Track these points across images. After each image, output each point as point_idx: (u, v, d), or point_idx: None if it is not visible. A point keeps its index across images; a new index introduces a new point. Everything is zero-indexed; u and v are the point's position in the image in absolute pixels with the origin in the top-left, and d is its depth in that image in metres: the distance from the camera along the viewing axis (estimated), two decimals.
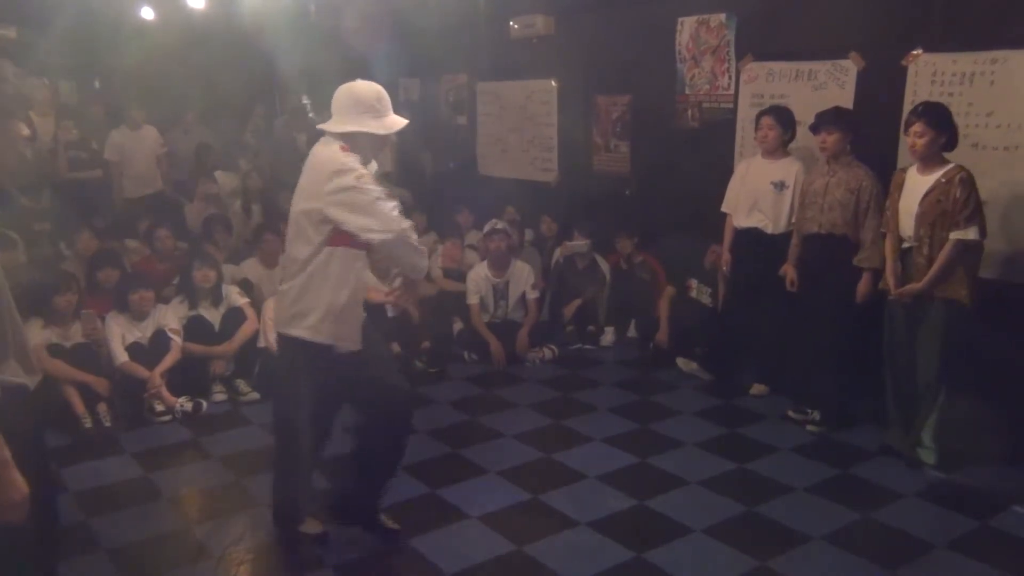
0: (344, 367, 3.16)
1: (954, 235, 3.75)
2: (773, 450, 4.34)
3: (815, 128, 4.42)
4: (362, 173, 2.97)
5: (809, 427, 4.57)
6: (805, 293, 4.58)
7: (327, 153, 3.03)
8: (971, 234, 3.74)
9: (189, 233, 6.78)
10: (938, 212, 3.78)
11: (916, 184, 3.91)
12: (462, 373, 5.59)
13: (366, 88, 3.09)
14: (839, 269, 4.38)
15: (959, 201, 3.73)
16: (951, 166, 3.82)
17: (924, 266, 3.85)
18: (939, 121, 3.80)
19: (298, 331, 3.09)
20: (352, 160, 2.98)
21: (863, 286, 4.33)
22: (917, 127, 3.82)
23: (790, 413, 4.70)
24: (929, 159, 3.86)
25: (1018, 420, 3.91)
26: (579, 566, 3.28)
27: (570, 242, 6.36)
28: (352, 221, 2.95)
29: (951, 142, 3.85)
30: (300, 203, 3.09)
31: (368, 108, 3.06)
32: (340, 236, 3.01)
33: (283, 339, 3.19)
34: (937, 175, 3.83)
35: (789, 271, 4.66)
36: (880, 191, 4.28)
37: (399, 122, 3.13)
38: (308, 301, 3.06)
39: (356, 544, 3.40)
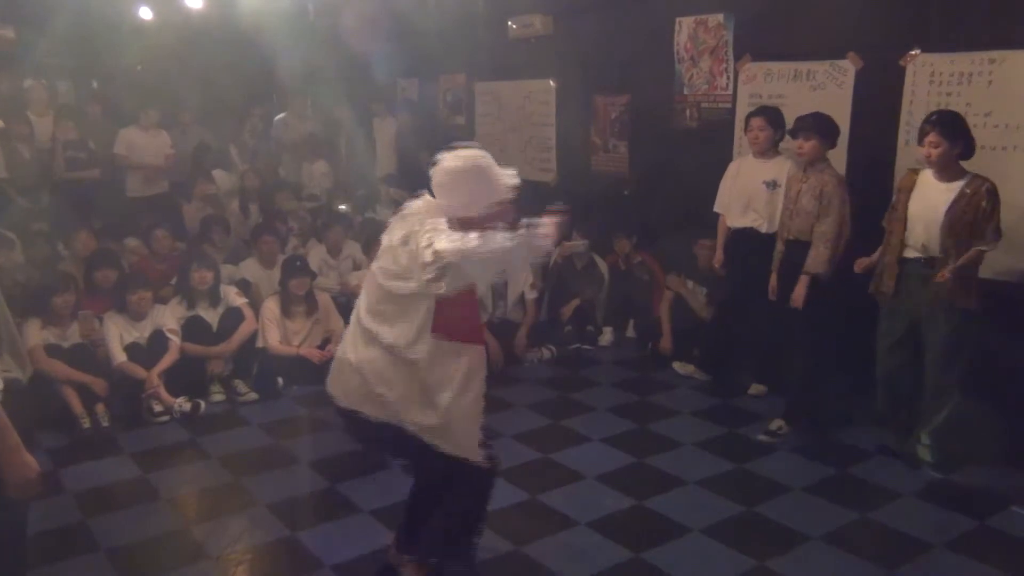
0: None
1: (981, 246, 3.73)
2: (771, 450, 4.34)
3: (793, 133, 4.40)
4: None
5: (761, 437, 4.47)
6: (782, 298, 4.49)
7: None
8: (995, 246, 3.73)
9: (187, 233, 6.78)
10: (964, 224, 3.75)
11: (935, 191, 3.85)
12: None
13: (472, 172, 2.71)
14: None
15: (986, 212, 3.71)
16: (971, 176, 3.78)
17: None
18: (954, 131, 3.76)
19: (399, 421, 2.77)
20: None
21: (799, 289, 4.25)
22: (932, 137, 3.77)
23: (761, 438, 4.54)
24: (946, 167, 3.82)
25: (1016, 420, 3.91)
26: (578, 566, 3.28)
27: (568, 242, 6.36)
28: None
29: (967, 151, 3.81)
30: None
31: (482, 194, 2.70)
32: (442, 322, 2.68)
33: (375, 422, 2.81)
34: (959, 184, 3.79)
35: (772, 278, 4.57)
36: (842, 198, 4.22)
37: (513, 183, 2.76)
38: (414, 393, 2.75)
39: (356, 544, 3.40)
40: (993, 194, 3.73)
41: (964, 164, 3.84)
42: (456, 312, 2.73)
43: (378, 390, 2.77)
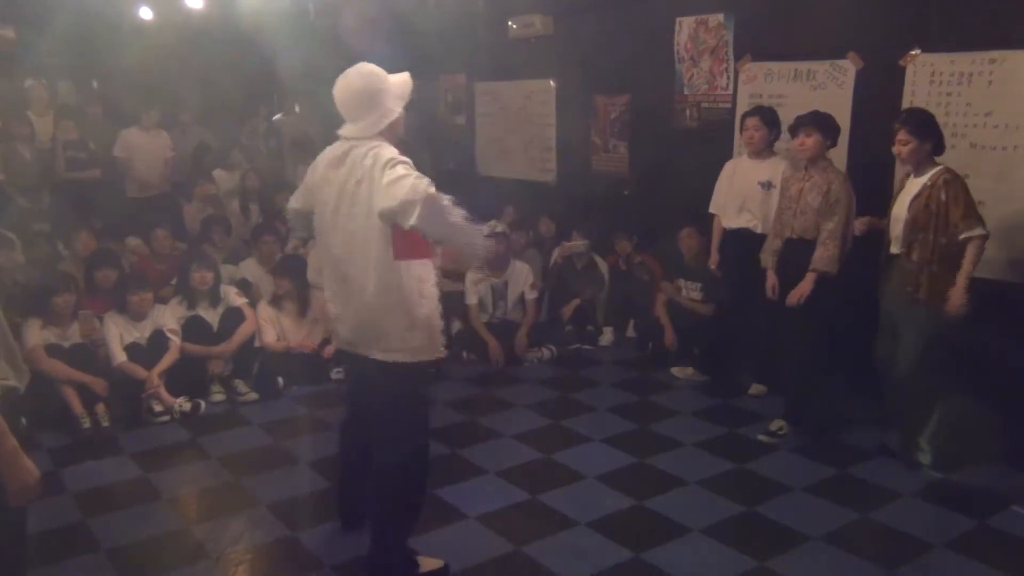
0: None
1: (963, 236, 3.72)
2: (772, 450, 4.34)
3: (794, 131, 4.38)
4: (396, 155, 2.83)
5: (761, 437, 4.47)
6: (783, 298, 4.48)
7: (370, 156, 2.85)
8: (978, 231, 3.70)
9: (187, 233, 6.78)
10: (927, 217, 3.77)
11: (909, 188, 3.92)
12: (461, 373, 5.59)
13: (364, 79, 2.93)
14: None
15: (946, 204, 3.71)
16: (937, 169, 3.81)
17: (913, 271, 3.83)
18: (922, 129, 3.80)
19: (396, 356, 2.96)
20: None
21: (804, 285, 4.22)
22: (901, 135, 3.82)
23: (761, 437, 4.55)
24: (919, 164, 3.85)
25: (1016, 420, 3.91)
26: (578, 566, 3.28)
27: (568, 242, 6.37)
28: (390, 206, 2.74)
29: (937, 148, 3.84)
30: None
31: (401, 96, 2.97)
32: (405, 247, 2.87)
33: (378, 364, 2.99)
34: (924, 179, 3.83)
35: (770, 276, 4.55)
36: (849, 195, 4.22)
37: (404, 79, 3.00)
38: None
39: (356, 544, 3.40)
40: (951, 183, 3.73)
41: (962, 164, 3.86)
42: (410, 233, 2.86)
43: (376, 328, 2.95)
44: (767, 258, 4.56)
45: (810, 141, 4.30)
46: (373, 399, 3.12)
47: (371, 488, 3.18)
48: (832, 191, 4.22)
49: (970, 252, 3.74)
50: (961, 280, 3.75)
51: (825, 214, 4.22)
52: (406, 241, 2.87)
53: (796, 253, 4.37)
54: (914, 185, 3.88)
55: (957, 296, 3.76)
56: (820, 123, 4.30)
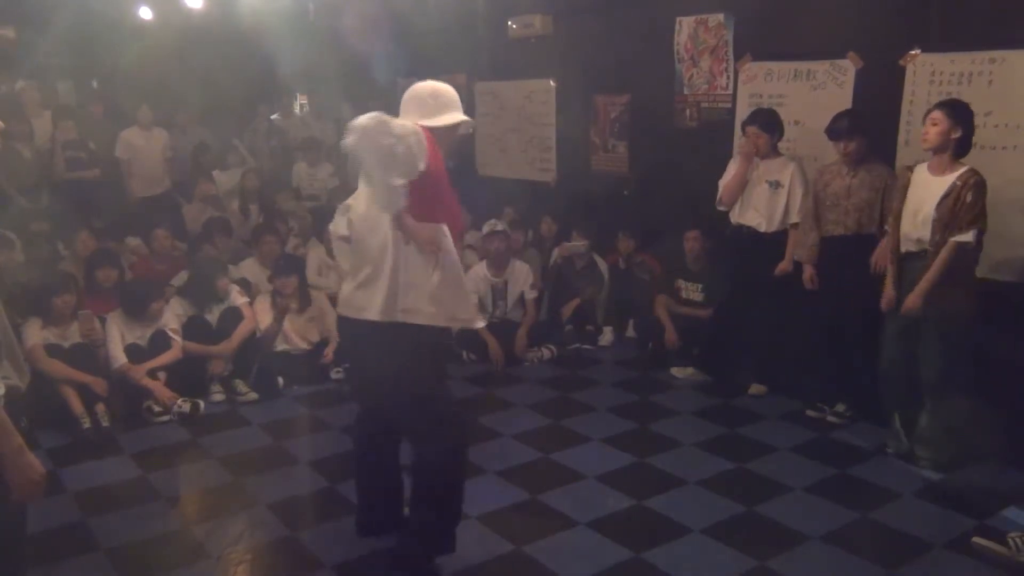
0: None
1: (953, 238, 3.74)
2: (772, 450, 4.34)
3: (835, 136, 4.38)
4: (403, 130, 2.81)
5: (830, 418, 4.61)
6: (829, 292, 4.52)
7: None
8: (968, 237, 3.73)
9: (187, 234, 6.78)
10: (952, 216, 3.75)
11: (929, 185, 3.86)
12: (461, 373, 5.59)
13: (421, 85, 3.17)
14: (867, 268, 4.34)
15: (966, 204, 3.71)
16: (966, 169, 3.79)
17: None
18: (959, 113, 3.78)
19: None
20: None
21: (916, 298, 4.15)
22: (935, 115, 3.79)
23: (809, 412, 4.70)
24: (942, 155, 3.82)
25: (1017, 420, 3.91)
26: (578, 566, 3.28)
27: (568, 242, 6.37)
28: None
29: (964, 142, 3.80)
30: None
31: (420, 104, 3.09)
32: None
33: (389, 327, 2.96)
34: (952, 178, 3.79)
35: (807, 269, 4.63)
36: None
37: (452, 119, 3.10)
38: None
39: (356, 544, 3.40)
40: (979, 187, 3.73)
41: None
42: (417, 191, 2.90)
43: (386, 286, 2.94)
44: (803, 253, 4.65)
45: (852, 146, 4.33)
46: (377, 374, 3.06)
47: (413, 484, 3.15)
48: (889, 188, 4.24)
49: (945, 252, 3.76)
50: (925, 285, 3.80)
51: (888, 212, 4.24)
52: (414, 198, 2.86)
53: (851, 248, 4.40)
54: (936, 184, 3.83)
55: (914, 298, 3.84)
56: (857, 128, 4.31)
